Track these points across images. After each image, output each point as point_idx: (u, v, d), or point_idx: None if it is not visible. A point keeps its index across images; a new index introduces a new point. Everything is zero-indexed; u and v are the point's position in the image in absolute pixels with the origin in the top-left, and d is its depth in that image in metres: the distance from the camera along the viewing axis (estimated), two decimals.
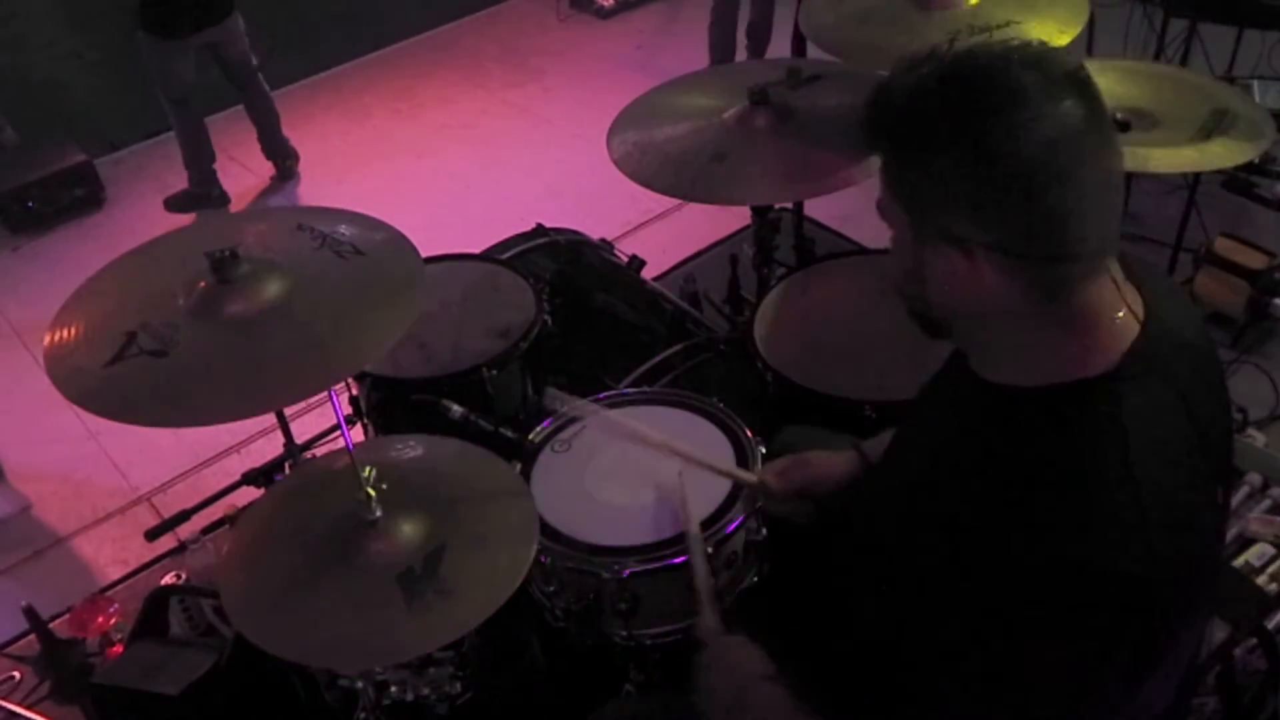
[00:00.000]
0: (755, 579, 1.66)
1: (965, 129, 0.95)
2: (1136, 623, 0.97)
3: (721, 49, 4.36)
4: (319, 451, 2.62)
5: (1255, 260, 2.91)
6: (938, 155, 0.97)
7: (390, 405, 2.06)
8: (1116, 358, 1.01)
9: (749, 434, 1.74)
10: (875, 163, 1.06)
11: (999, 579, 0.97)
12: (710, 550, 1.55)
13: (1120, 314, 1.03)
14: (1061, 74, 0.96)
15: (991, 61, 0.97)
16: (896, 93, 1.00)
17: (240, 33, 3.99)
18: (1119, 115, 2.15)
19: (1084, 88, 0.97)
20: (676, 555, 1.55)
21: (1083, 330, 1.02)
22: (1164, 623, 0.99)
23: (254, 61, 4.10)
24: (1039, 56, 0.97)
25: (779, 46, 4.07)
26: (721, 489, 1.64)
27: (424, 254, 1.70)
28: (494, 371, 1.99)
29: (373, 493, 1.51)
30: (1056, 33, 2.12)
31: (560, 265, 2.49)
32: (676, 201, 3.74)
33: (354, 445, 1.59)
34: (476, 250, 2.44)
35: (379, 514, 1.51)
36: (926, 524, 1.07)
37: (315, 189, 4.37)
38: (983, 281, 1.00)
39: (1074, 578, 0.94)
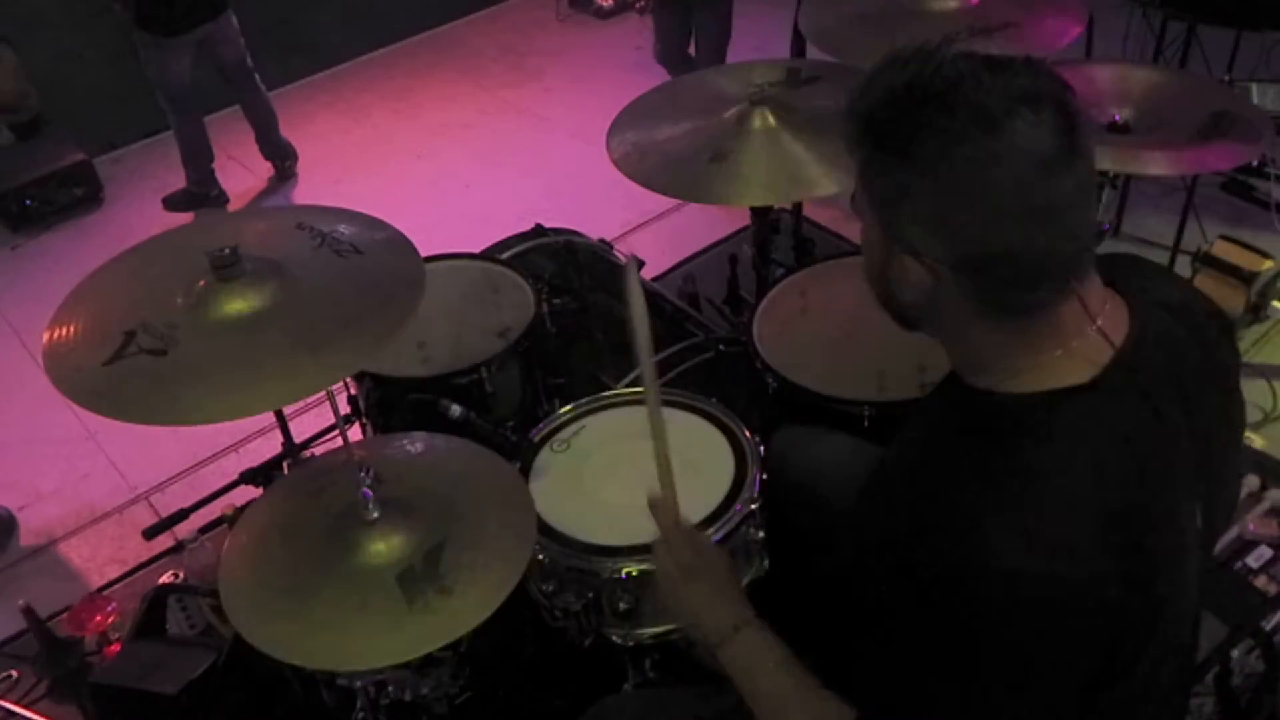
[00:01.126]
0: (754, 579, 1.66)
1: (935, 153, 0.95)
2: (1093, 634, 0.96)
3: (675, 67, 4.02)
4: (317, 450, 2.62)
5: (1253, 263, 2.92)
6: (906, 171, 0.97)
7: (389, 404, 2.06)
8: (1094, 370, 1.01)
9: (748, 434, 1.74)
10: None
11: (963, 583, 0.96)
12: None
13: (1096, 328, 1.03)
14: (1035, 94, 0.94)
15: (962, 83, 0.95)
16: (875, 96, 1.00)
17: (235, 32, 3.99)
18: (1118, 117, 2.15)
19: (1056, 105, 0.94)
20: None
21: (1052, 344, 1.02)
22: (1122, 636, 0.98)
23: (249, 61, 4.10)
24: (1012, 83, 0.95)
25: (779, 46, 4.07)
26: (720, 489, 1.64)
27: (423, 254, 1.70)
28: (493, 371, 1.99)
29: (371, 492, 1.51)
30: (1054, 34, 2.12)
31: (559, 265, 2.49)
32: (676, 202, 3.74)
33: (352, 444, 1.60)
34: (476, 250, 2.44)
35: (378, 513, 1.51)
36: (908, 527, 1.07)
37: (314, 189, 4.37)
38: (942, 295, 1.01)
39: (1030, 586, 0.93)
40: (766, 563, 1.67)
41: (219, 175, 4.24)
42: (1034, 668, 0.96)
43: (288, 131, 4.38)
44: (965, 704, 0.98)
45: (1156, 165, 2.08)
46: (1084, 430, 0.99)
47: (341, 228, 1.70)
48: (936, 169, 0.95)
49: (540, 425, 1.83)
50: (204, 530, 2.53)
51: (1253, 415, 2.69)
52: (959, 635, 0.96)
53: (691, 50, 3.97)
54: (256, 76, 4.16)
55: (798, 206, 2.71)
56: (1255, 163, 3.17)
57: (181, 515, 2.41)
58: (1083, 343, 1.02)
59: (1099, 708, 1.00)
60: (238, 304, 1.53)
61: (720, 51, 3.89)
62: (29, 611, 2.27)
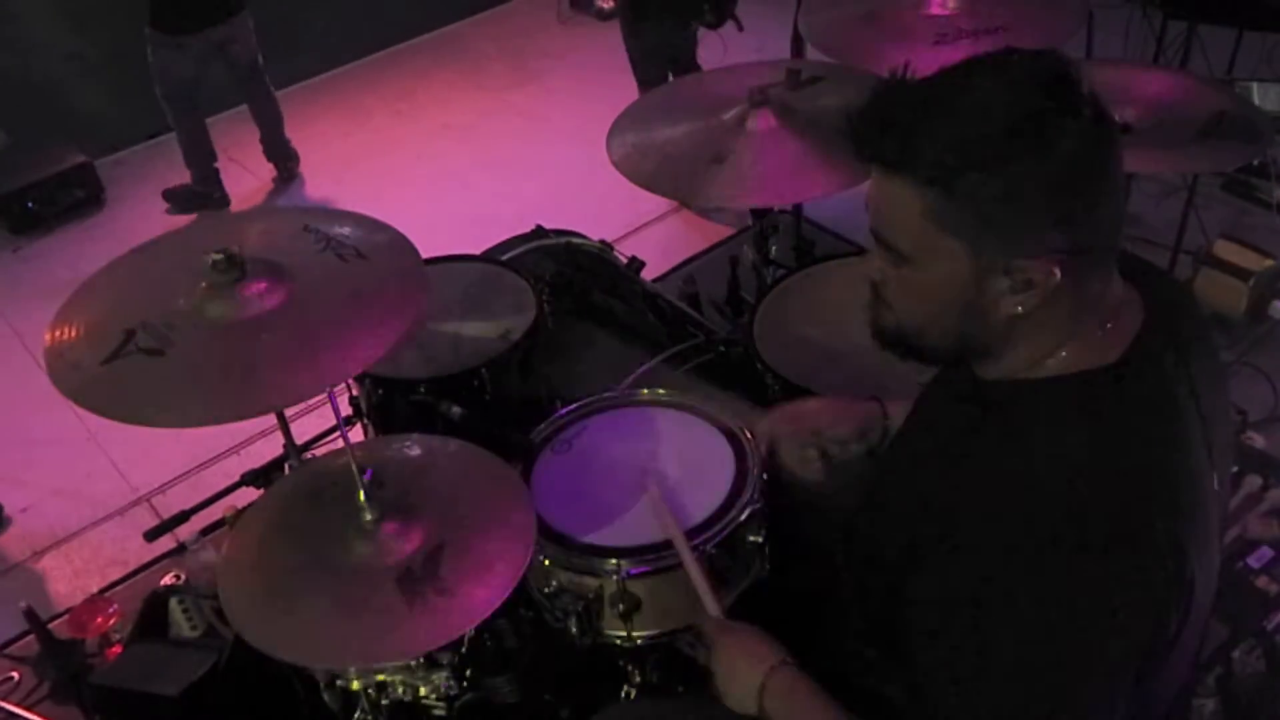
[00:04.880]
0: (755, 579, 1.66)
1: (1055, 132, 0.94)
2: (1143, 614, 0.97)
3: None
4: (319, 452, 2.62)
5: (1254, 262, 2.92)
6: (1032, 170, 0.94)
7: (390, 405, 2.06)
8: (1121, 350, 1.03)
9: (748, 435, 1.74)
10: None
11: (1005, 565, 0.96)
12: (711, 549, 1.55)
13: (1123, 309, 1.05)
14: (1069, 65, 0.97)
15: (1021, 65, 0.97)
16: (953, 121, 0.96)
17: (250, 32, 3.99)
18: (1119, 117, 2.15)
19: (1088, 91, 0.98)
20: (676, 556, 1.55)
21: (1096, 323, 1.03)
22: (1169, 614, 0.99)
23: (260, 62, 4.10)
24: (1045, 52, 0.98)
25: (779, 46, 4.07)
26: (721, 491, 1.64)
27: (424, 255, 1.69)
28: (494, 372, 1.99)
29: (372, 493, 1.51)
30: (1049, 37, 2.12)
31: (560, 266, 2.49)
32: (676, 203, 3.75)
33: (354, 445, 1.60)
34: (476, 251, 2.44)
35: (378, 514, 1.51)
36: (928, 525, 1.07)
37: (316, 190, 4.37)
38: (1053, 288, 0.99)
39: (1079, 561, 0.94)
40: (767, 565, 1.67)
41: (221, 177, 4.25)
42: (1078, 652, 0.95)
43: (289, 133, 4.38)
44: (1016, 698, 0.97)
45: (1157, 165, 2.09)
46: (1113, 410, 1.00)
47: (346, 231, 1.69)
48: (1060, 149, 0.94)
49: (541, 426, 1.83)
50: (205, 532, 2.53)
51: (1254, 415, 2.68)
52: (1002, 632, 0.96)
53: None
54: (266, 78, 4.17)
55: (798, 207, 2.71)
56: (1256, 162, 3.17)
57: (183, 517, 2.41)
58: (1114, 323, 1.04)
59: (1142, 685, 1.01)
60: (238, 306, 1.52)
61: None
62: (30, 613, 2.28)
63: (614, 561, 1.56)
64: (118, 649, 2.25)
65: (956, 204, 0.97)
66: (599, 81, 4.86)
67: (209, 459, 3.03)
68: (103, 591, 2.62)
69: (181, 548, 2.51)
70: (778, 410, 1.58)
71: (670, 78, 3.73)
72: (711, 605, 1.45)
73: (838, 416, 1.50)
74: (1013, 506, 0.98)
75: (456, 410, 1.87)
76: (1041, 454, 1.00)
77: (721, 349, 2.20)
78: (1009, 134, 0.94)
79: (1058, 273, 0.98)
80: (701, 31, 3.75)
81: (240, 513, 1.99)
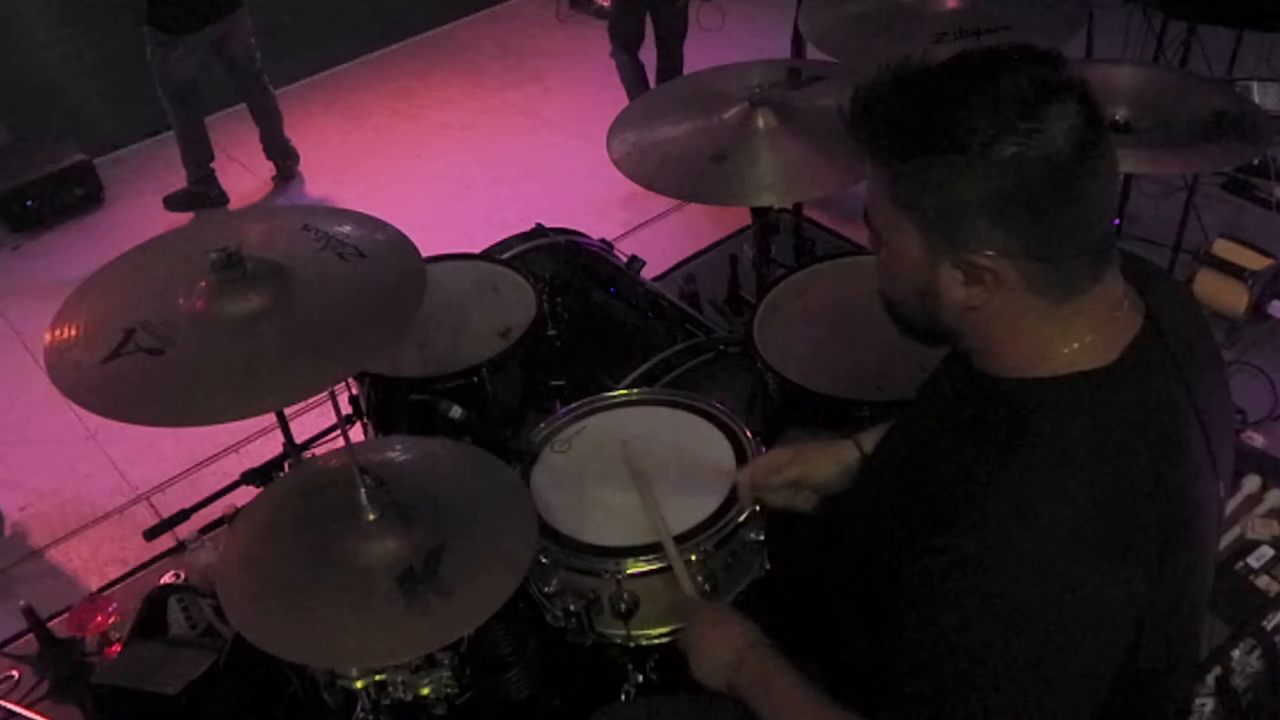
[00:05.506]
0: (754, 579, 1.66)
1: (997, 136, 0.94)
2: (1125, 616, 0.97)
3: (634, 83, 3.92)
4: (318, 451, 2.62)
5: (1254, 261, 2.92)
6: (966, 168, 0.95)
7: (390, 405, 2.06)
8: (1119, 352, 1.03)
9: (748, 434, 1.74)
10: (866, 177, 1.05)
11: (996, 561, 0.97)
12: (711, 548, 1.55)
13: (1121, 311, 1.05)
14: (1062, 73, 0.97)
15: (1003, 65, 0.96)
16: (904, 105, 0.98)
17: (248, 29, 3.98)
18: (1119, 117, 2.15)
19: (1083, 87, 0.97)
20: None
21: (1088, 325, 1.03)
22: (1151, 616, 0.99)
23: (258, 60, 4.10)
24: (1040, 57, 0.98)
25: (779, 46, 4.07)
26: (721, 490, 1.64)
27: (424, 254, 1.70)
28: (494, 371, 1.99)
29: (371, 493, 1.51)
30: (1049, 37, 2.12)
31: (560, 265, 2.49)
32: (676, 202, 3.75)
33: (353, 445, 1.59)
34: (476, 250, 2.44)
35: (378, 514, 1.51)
36: (921, 519, 1.07)
37: (315, 189, 4.37)
38: (1002, 287, 1.00)
39: (1069, 562, 0.94)
40: (766, 564, 1.67)
41: (220, 175, 4.24)
42: (1061, 655, 0.96)
43: (288, 132, 4.38)
44: (993, 690, 0.97)
45: (1157, 165, 2.08)
46: (1109, 411, 1.00)
47: (346, 229, 1.70)
48: (998, 154, 0.94)
49: (541, 426, 1.83)
50: (205, 531, 2.53)
51: (1254, 414, 2.68)
52: (984, 624, 0.97)
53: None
54: (264, 76, 4.17)
55: (798, 206, 2.72)
56: (1256, 161, 3.17)
57: (183, 516, 2.41)
58: (1110, 326, 1.04)
59: (1122, 689, 1.01)
60: (238, 305, 1.52)
61: (679, 46, 3.85)
62: (30, 612, 2.28)
63: (614, 561, 1.56)
64: (117, 648, 2.26)
65: (910, 186, 1.00)
66: (599, 80, 4.85)
67: (208, 458, 3.03)
68: (102, 590, 2.62)
69: (181, 546, 2.51)
70: (753, 466, 1.56)
71: (649, 30, 3.78)
72: (687, 585, 1.47)
73: (814, 460, 1.48)
74: (1005, 504, 0.98)
75: (457, 410, 1.87)
76: (1035, 453, 1.00)
77: (722, 348, 2.20)
78: (964, 126, 0.95)
79: (1007, 271, 0.99)
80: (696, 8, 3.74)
81: (239, 511, 2.00)
